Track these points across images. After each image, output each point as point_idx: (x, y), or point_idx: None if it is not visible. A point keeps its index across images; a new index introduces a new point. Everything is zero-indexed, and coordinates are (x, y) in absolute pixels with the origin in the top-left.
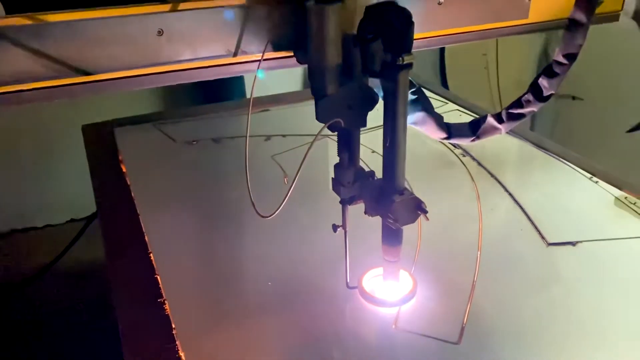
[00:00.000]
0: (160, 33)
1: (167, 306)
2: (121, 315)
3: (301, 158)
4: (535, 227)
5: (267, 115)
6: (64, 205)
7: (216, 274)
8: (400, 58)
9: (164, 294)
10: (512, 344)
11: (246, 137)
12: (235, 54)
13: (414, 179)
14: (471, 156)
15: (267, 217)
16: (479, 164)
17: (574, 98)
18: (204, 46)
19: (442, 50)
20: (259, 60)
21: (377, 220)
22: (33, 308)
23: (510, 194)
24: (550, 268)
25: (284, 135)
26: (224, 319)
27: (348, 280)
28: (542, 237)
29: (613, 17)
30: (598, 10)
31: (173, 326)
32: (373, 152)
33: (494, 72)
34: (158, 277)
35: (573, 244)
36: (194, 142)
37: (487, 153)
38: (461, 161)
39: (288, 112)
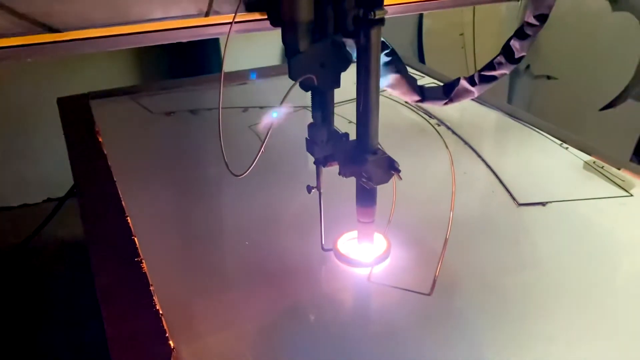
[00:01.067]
0: None
1: (144, 265)
2: (99, 275)
3: (278, 129)
4: (507, 189)
5: (245, 88)
6: (41, 184)
7: (192, 236)
8: (372, 12)
9: (140, 254)
10: (481, 295)
11: (219, 95)
12: (207, 14)
13: (389, 146)
14: (446, 125)
15: (240, 175)
16: (454, 132)
17: (548, 78)
18: (176, 4)
19: (419, 29)
20: (231, 23)
21: (351, 181)
22: (10, 285)
23: (482, 159)
24: (520, 226)
25: (261, 107)
26: (200, 280)
27: (323, 243)
28: (513, 198)
29: None
30: None
31: (150, 282)
32: (350, 122)
33: (471, 52)
34: (135, 239)
35: (543, 204)
36: (171, 114)
37: (462, 123)
38: (436, 130)
39: (266, 85)
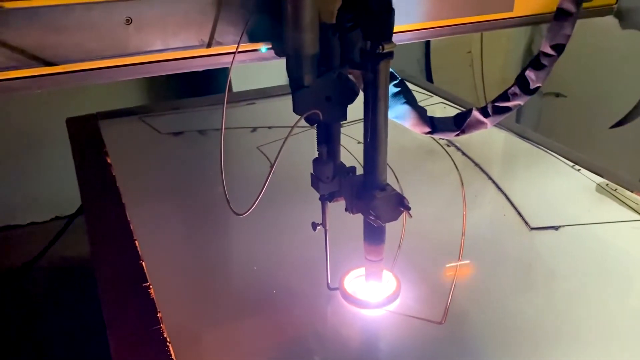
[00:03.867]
0: (128, 21)
1: (151, 290)
2: (106, 300)
3: (288, 151)
4: (518, 212)
5: (253, 108)
6: (49, 203)
7: (200, 262)
8: (380, 46)
9: (148, 279)
10: (494, 323)
11: (221, 131)
12: (209, 45)
13: (397, 169)
14: (456, 146)
15: (242, 214)
16: (464, 153)
17: (557, 95)
18: (176, 36)
19: (427, 46)
20: (234, 53)
21: (358, 218)
22: (17, 305)
23: (493, 182)
24: (533, 251)
25: (269, 127)
26: (207, 309)
27: (329, 281)
28: (525, 222)
29: (606, 10)
30: (591, 3)
31: (158, 309)
32: (359, 142)
33: (479, 70)
34: (143, 263)
35: (555, 228)
36: (180, 134)
37: (471, 143)
38: (445, 151)
39: (274, 105)
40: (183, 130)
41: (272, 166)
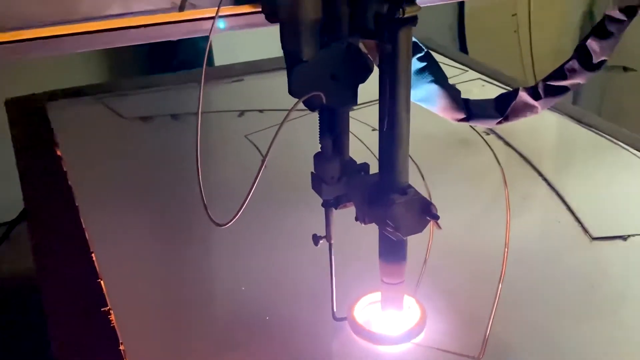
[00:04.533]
0: None
1: (112, 316)
2: (55, 328)
3: (285, 142)
4: (577, 219)
5: (240, 87)
6: None
7: (175, 282)
8: (401, 9)
9: (108, 302)
10: (545, 357)
11: (198, 116)
12: (181, 8)
13: (422, 165)
14: (497, 135)
15: (223, 225)
16: (507, 143)
17: (625, 69)
18: None
19: (460, 8)
20: (214, 18)
21: (373, 229)
22: None
23: (545, 180)
24: (595, 266)
25: (260, 111)
26: (182, 339)
27: (335, 309)
28: (585, 231)
29: None
30: None
31: (120, 340)
32: (374, 130)
33: (526, 38)
34: (102, 282)
35: (624, 238)
36: (149, 120)
37: (517, 131)
38: (484, 141)
39: (266, 83)
40: (152, 115)
41: (262, 162)
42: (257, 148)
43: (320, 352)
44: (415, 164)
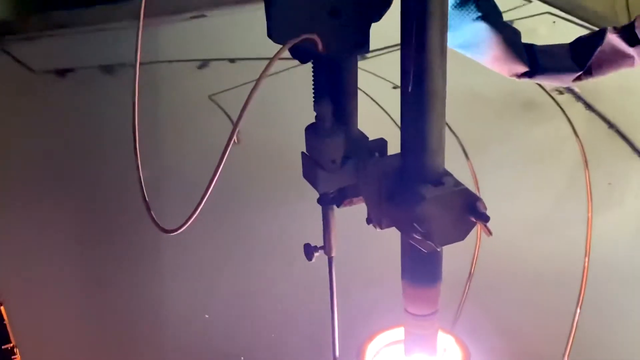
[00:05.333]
0: None
1: (17, 357)
2: None
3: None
4: None
5: (202, 25)
6: None
7: (104, 317)
8: None
9: (12, 339)
10: None
11: (135, 70)
12: None
13: (466, 139)
14: (575, 95)
15: (172, 231)
16: (588, 106)
17: None
18: None
19: None
20: None
21: (393, 236)
22: None
23: None
24: None
25: (231, 60)
26: None
27: (337, 355)
28: None
29: None
30: None
31: None
32: (395, 87)
33: None
34: (2, 309)
35: None
36: (68, 74)
37: (603, 89)
38: (556, 103)
39: (238, 20)
40: (73, 67)
41: (230, 136)
42: (227, 114)
43: None
44: (457, 137)
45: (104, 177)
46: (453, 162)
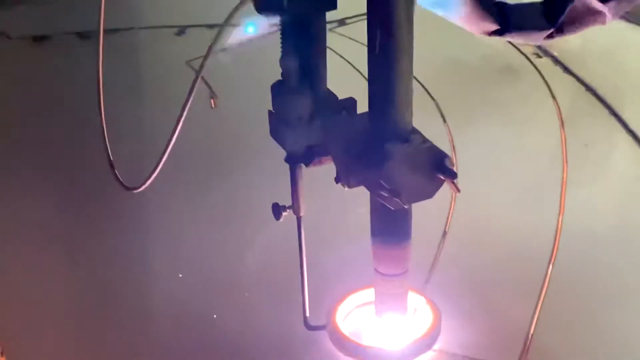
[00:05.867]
0: None
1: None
2: None
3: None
4: None
5: None
6: None
7: (74, 282)
8: None
9: None
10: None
11: (99, 34)
12: None
13: (445, 102)
14: (553, 58)
15: (135, 189)
16: (567, 70)
17: None
18: None
19: None
20: None
21: (362, 195)
22: None
23: (622, 121)
24: None
25: (209, 26)
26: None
27: (307, 314)
28: None
29: None
30: None
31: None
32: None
33: None
34: None
35: None
36: (45, 40)
37: (583, 53)
38: (534, 65)
39: None
40: (50, 34)
41: (187, 96)
42: (204, 79)
43: None
44: (434, 100)
45: (77, 141)
46: (431, 125)
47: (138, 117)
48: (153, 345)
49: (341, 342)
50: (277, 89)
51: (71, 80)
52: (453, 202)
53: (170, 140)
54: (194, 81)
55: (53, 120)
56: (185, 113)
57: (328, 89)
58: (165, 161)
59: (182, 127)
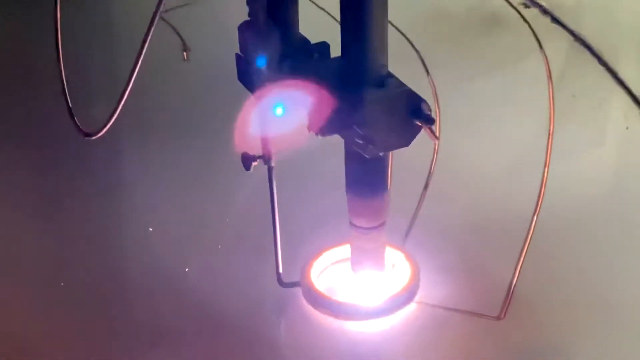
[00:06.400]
0: None
1: None
2: None
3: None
4: None
5: None
6: None
7: (40, 237)
8: None
9: None
10: (583, 312)
11: None
12: None
13: (428, 54)
14: (540, 6)
15: (92, 135)
16: (554, 19)
17: None
18: None
19: None
20: None
21: (336, 144)
22: None
23: (613, 73)
24: None
25: None
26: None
27: (280, 271)
28: None
29: None
30: None
31: None
32: None
33: None
34: None
35: None
36: None
37: (575, 6)
38: (521, 15)
39: None
40: None
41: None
42: (177, 32)
43: (258, 333)
44: (417, 51)
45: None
46: (414, 76)
47: (108, 66)
48: (121, 299)
49: (316, 298)
50: (244, 29)
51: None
52: (435, 153)
53: (128, 82)
54: (153, 17)
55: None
56: (143, 52)
57: (300, 34)
58: (137, 114)
59: (154, 81)
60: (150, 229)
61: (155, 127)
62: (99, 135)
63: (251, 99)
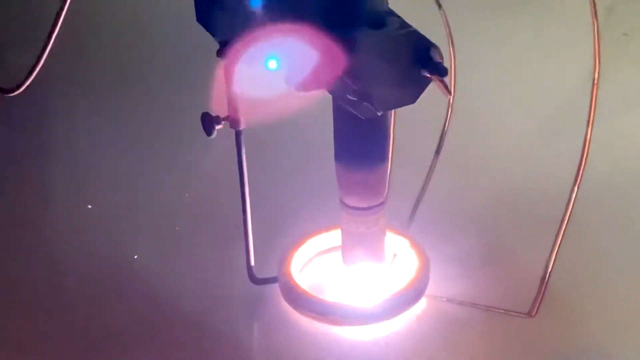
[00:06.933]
0: None
1: None
2: None
3: None
4: None
5: None
6: None
7: None
8: None
9: None
10: (626, 317)
11: None
12: None
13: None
14: None
15: (11, 92)
16: None
17: None
18: None
19: None
20: None
21: (324, 103)
22: None
23: None
24: None
25: None
26: None
27: (252, 264)
28: None
29: None
30: None
31: None
32: None
33: None
34: None
35: None
36: None
37: None
38: None
39: None
40: None
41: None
42: None
43: (225, 339)
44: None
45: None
46: (420, 16)
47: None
48: (51, 296)
49: (297, 298)
50: None
51: None
52: (449, 112)
53: (54, 24)
54: None
55: None
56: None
57: None
58: (69, 65)
59: (90, 22)
60: (89, 206)
61: (92, 80)
62: (19, 91)
63: (228, 48)
